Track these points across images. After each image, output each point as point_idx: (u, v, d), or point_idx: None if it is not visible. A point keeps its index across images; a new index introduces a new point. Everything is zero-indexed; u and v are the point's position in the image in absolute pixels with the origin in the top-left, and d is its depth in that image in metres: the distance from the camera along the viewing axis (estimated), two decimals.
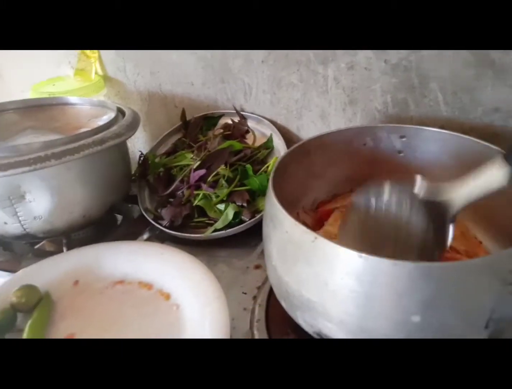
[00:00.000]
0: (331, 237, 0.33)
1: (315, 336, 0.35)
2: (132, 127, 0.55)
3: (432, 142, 0.47)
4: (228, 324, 0.40)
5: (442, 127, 0.49)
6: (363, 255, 0.28)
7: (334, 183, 0.53)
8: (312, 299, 0.33)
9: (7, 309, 0.43)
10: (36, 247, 0.61)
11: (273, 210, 0.36)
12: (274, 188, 0.37)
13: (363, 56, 0.53)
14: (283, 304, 0.38)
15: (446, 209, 0.34)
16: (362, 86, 0.55)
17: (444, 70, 0.49)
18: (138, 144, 0.82)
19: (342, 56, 0.55)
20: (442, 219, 0.34)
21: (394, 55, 0.51)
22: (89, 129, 0.54)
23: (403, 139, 0.49)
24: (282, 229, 0.34)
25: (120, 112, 0.60)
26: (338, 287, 0.30)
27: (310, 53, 0.57)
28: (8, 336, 0.41)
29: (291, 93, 0.62)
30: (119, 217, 0.68)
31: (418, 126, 0.47)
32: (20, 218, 0.50)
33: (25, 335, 0.40)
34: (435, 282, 0.28)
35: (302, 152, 0.47)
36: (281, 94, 0.63)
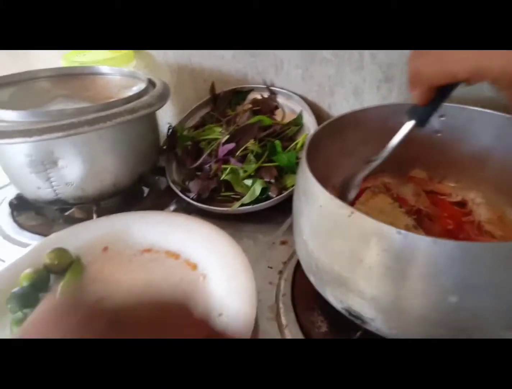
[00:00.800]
0: None
1: (343, 312, 0.35)
2: (162, 98, 0.55)
3: (474, 122, 0.46)
4: (255, 296, 0.40)
5: (483, 107, 0.47)
6: (402, 231, 0.27)
7: (365, 163, 0.52)
8: (344, 275, 0.32)
9: (41, 270, 0.44)
10: (66, 213, 0.62)
11: (307, 183, 0.35)
12: (308, 162, 0.37)
13: None
14: (312, 279, 0.38)
15: None
16: (400, 62, 0.53)
17: None
18: (166, 117, 0.82)
19: None
20: None
21: None
22: (120, 98, 0.55)
23: (442, 118, 0.47)
24: (316, 203, 0.34)
25: (151, 83, 0.60)
26: (374, 263, 0.30)
27: None
28: (41, 295, 0.43)
29: (324, 68, 0.60)
30: (145, 189, 0.68)
31: (460, 105, 0.45)
32: (52, 183, 0.51)
33: (58, 295, 0.41)
34: (475, 262, 0.27)
35: (336, 128, 0.46)
36: (314, 69, 0.61)
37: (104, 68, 0.65)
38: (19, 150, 0.48)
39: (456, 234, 0.44)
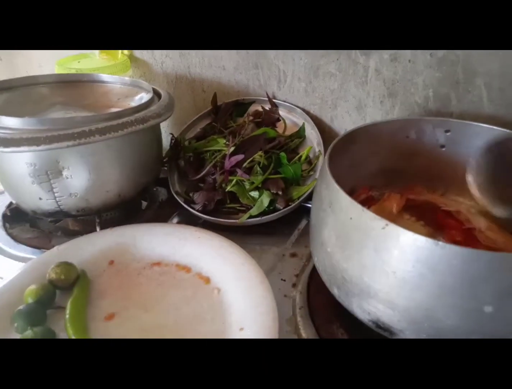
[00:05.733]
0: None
1: (369, 324, 0.35)
2: (169, 108, 0.54)
3: (479, 138, 0.47)
4: (276, 309, 0.40)
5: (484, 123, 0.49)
6: (440, 243, 0.28)
7: (371, 175, 0.53)
8: (375, 286, 0.32)
9: (47, 285, 0.42)
10: (57, 224, 0.59)
11: (334, 195, 0.35)
12: (332, 173, 0.37)
13: None
14: (335, 291, 0.38)
15: None
16: (404, 78, 0.55)
17: (493, 66, 0.49)
18: (163, 127, 0.80)
19: None
20: None
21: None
22: (122, 108, 0.54)
23: (448, 133, 0.49)
24: (345, 215, 0.34)
25: (155, 93, 0.59)
26: (409, 274, 0.30)
27: None
28: (49, 312, 0.41)
29: (328, 82, 0.61)
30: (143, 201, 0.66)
31: (466, 121, 0.47)
32: (55, 194, 0.49)
33: (67, 312, 0.39)
34: None
35: (349, 140, 0.46)
36: (317, 83, 0.62)
37: (105, 76, 0.63)
38: (22, 159, 0.46)
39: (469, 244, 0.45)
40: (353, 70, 0.58)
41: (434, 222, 0.49)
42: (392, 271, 0.31)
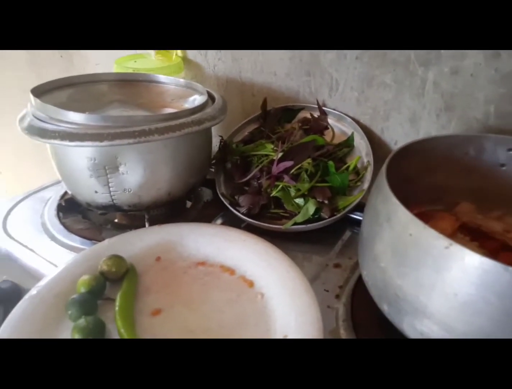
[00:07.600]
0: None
1: None
2: (223, 111, 0.55)
3: None
4: (320, 319, 0.39)
5: None
6: (510, 268, 0.27)
7: (425, 191, 0.51)
8: (431, 307, 0.31)
9: (99, 276, 0.43)
10: (105, 217, 0.61)
11: (392, 210, 0.35)
12: (391, 187, 0.36)
13: (472, 62, 0.51)
14: (385, 307, 0.37)
15: None
16: (464, 93, 0.53)
17: None
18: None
19: (447, 60, 0.52)
20: None
21: (507, 64, 0.49)
22: (176, 109, 0.55)
23: (510, 152, 0.47)
24: (404, 231, 0.33)
25: (209, 96, 0.60)
26: (471, 298, 0.29)
27: (411, 53, 0.55)
28: (99, 302, 0.42)
29: (382, 93, 0.60)
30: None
31: None
32: (110, 189, 0.50)
33: (117, 304, 0.40)
34: None
35: (405, 153, 0.45)
36: (370, 93, 0.61)
37: (160, 77, 0.65)
38: (83, 153, 0.48)
39: None
40: (409, 81, 0.57)
41: (489, 243, 0.47)
42: (453, 292, 0.30)
